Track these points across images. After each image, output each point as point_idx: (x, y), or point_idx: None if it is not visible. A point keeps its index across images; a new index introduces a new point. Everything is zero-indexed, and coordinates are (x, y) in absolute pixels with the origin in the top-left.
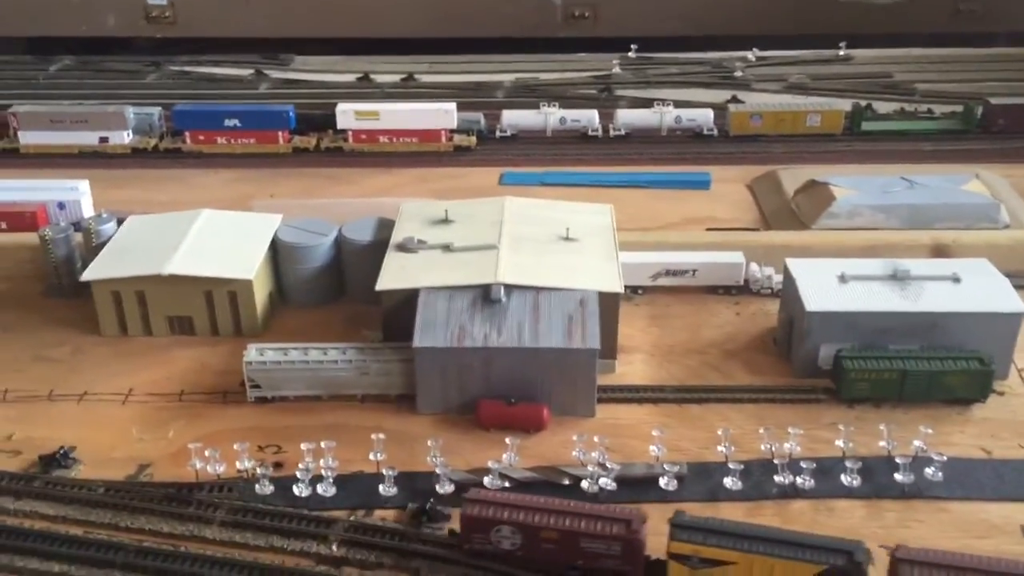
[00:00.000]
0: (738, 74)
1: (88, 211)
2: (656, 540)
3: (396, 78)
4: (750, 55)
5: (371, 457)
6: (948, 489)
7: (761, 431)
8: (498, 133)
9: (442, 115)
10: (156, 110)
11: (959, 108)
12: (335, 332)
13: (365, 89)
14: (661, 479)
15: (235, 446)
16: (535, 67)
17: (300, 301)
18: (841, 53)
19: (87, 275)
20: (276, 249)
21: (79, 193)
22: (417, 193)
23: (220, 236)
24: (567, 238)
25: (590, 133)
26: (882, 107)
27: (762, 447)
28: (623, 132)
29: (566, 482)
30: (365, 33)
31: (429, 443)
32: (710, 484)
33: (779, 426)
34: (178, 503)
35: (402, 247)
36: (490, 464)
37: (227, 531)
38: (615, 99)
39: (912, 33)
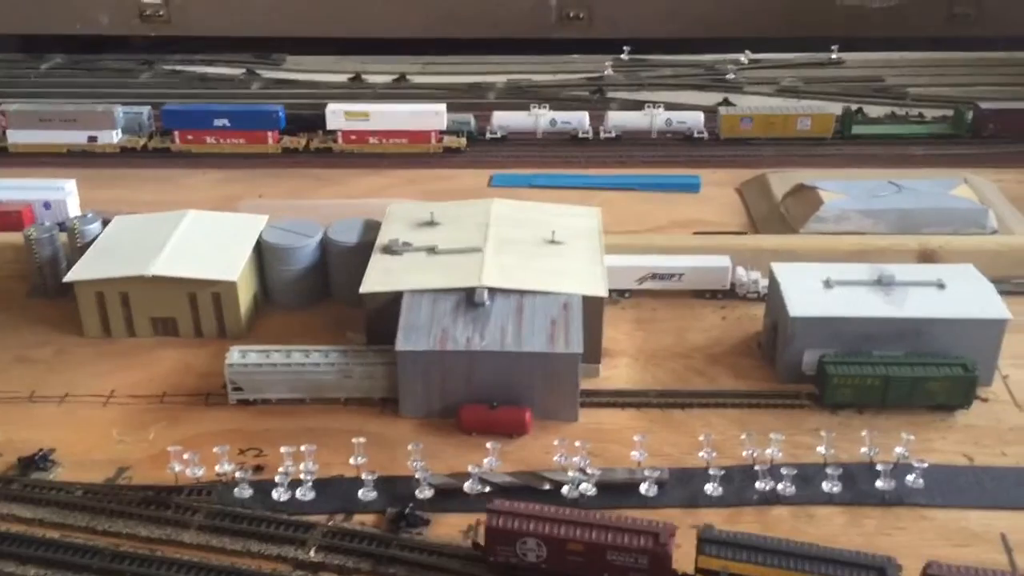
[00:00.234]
0: (730, 77)
1: (74, 211)
2: None
3: (388, 79)
4: (743, 58)
5: (351, 461)
6: (929, 496)
7: (743, 437)
8: (488, 134)
9: (432, 116)
10: (145, 109)
11: (950, 112)
12: (320, 334)
13: (357, 89)
14: (642, 485)
15: (215, 449)
16: (527, 68)
17: (285, 303)
18: (833, 56)
19: (70, 276)
20: (261, 250)
21: (65, 193)
22: (406, 194)
23: (205, 237)
24: (553, 241)
25: (580, 135)
26: (873, 111)
27: (744, 453)
28: (613, 134)
29: (547, 487)
30: (359, 33)
31: (409, 447)
32: (691, 490)
33: (762, 432)
34: (156, 506)
35: (387, 249)
36: (470, 469)
37: (204, 535)
38: (607, 101)
39: (906, 37)
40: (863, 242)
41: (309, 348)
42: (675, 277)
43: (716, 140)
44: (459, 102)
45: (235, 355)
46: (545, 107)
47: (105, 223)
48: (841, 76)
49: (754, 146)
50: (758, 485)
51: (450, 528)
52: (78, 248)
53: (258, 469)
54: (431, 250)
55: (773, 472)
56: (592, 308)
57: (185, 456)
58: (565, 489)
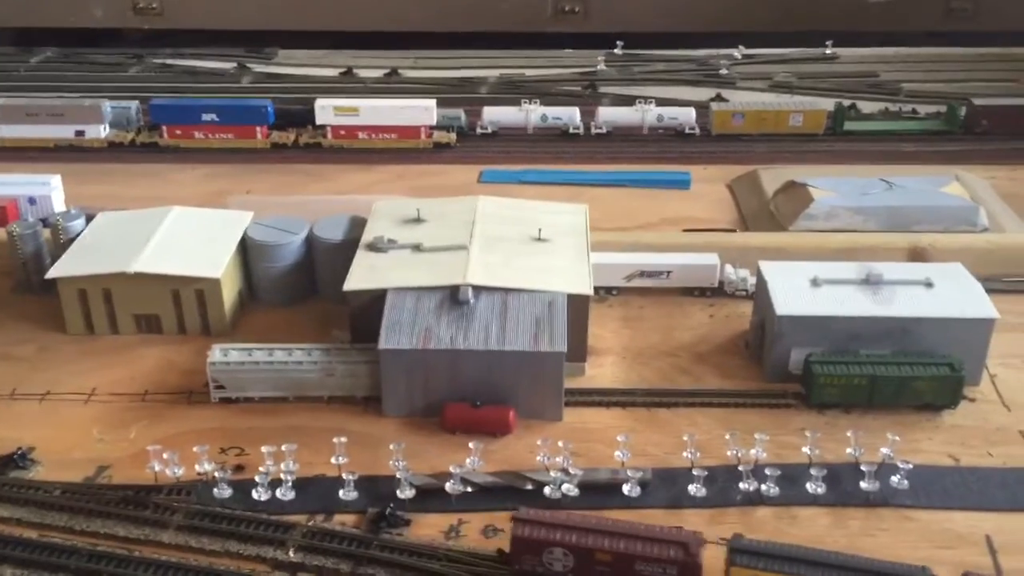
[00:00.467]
0: (723, 72)
1: (59, 206)
2: None
3: (380, 73)
4: (736, 53)
5: (333, 461)
6: (914, 497)
7: (727, 437)
8: (479, 130)
9: (422, 112)
10: (134, 104)
11: (943, 108)
12: (306, 331)
13: (348, 84)
14: (624, 485)
15: (194, 448)
16: (520, 63)
17: (271, 300)
18: (828, 52)
19: (52, 272)
20: (246, 247)
21: (50, 188)
22: (395, 191)
23: (189, 234)
24: (539, 239)
25: (571, 131)
26: (867, 107)
27: (728, 453)
28: (604, 130)
29: (529, 487)
30: (352, 27)
31: (391, 447)
32: (674, 490)
33: (748, 431)
34: (135, 506)
35: (372, 246)
36: (451, 469)
37: (183, 535)
38: (599, 96)
39: (904, 31)
40: (852, 240)
41: (292, 346)
42: (663, 275)
43: (708, 136)
44: (450, 97)
45: (217, 353)
46: (536, 103)
47: (89, 219)
48: (835, 71)
49: (746, 142)
50: (742, 486)
51: (431, 529)
52: (61, 244)
53: (239, 468)
54: (416, 247)
55: (757, 473)
56: (577, 306)
57: (165, 455)
58: (547, 490)
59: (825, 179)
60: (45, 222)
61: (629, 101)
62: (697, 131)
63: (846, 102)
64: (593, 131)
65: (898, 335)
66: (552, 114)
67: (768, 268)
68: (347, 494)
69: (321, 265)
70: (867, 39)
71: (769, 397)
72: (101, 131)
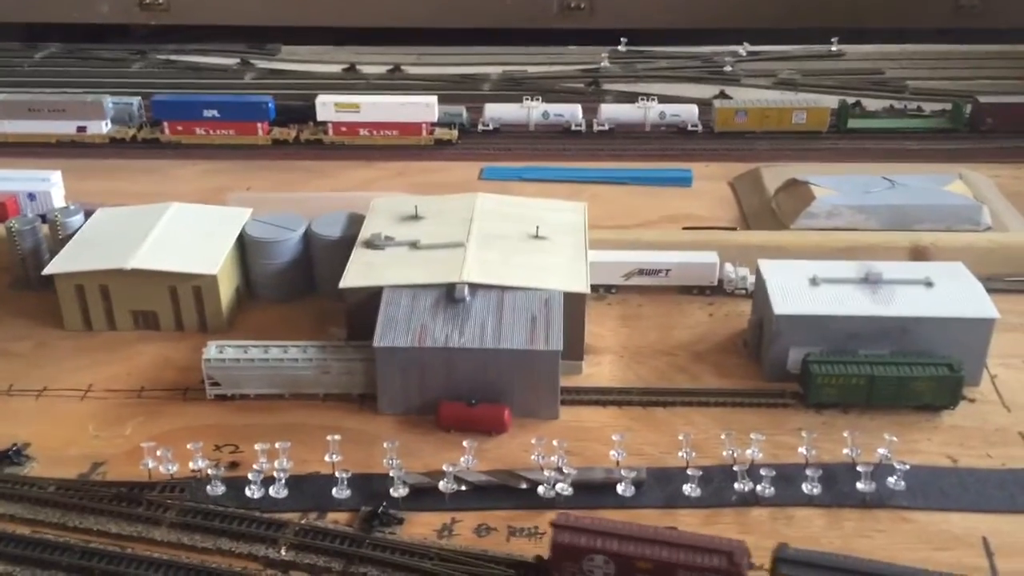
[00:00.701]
0: (727, 69)
1: (59, 202)
2: None
3: (383, 69)
4: (741, 50)
5: (327, 459)
6: (910, 498)
7: (723, 437)
8: (480, 127)
9: (423, 108)
10: (135, 100)
11: (948, 106)
12: (303, 328)
13: (351, 80)
14: (618, 485)
15: (188, 446)
16: (523, 60)
17: (269, 297)
18: (833, 49)
19: (50, 268)
20: (244, 244)
21: (50, 184)
22: (396, 187)
23: (187, 230)
24: (537, 236)
25: (573, 128)
26: (872, 104)
27: (724, 453)
28: (607, 127)
29: (523, 486)
30: (357, 23)
31: (385, 445)
32: (669, 490)
33: (745, 431)
34: (128, 503)
35: (369, 244)
36: (445, 467)
37: (176, 533)
38: (602, 93)
39: (912, 28)
40: (853, 238)
41: (287, 343)
42: (662, 273)
43: (710, 133)
44: (453, 93)
45: (212, 350)
46: (538, 99)
47: (88, 215)
48: (840, 69)
49: (748, 140)
50: (737, 486)
51: (424, 527)
52: (60, 240)
53: (234, 465)
54: (413, 245)
55: (752, 473)
56: (574, 304)
57: (158, 452)
58: (541, 489)
59: (827, 177)
60: (44, 218)
61: (632, 98)
62: (700, 128)
63: (850, 99)
64: (595, 128)
65: (897, 335)
66: (554, 111)
67: (767, 267)
68: (340, 492)
69: (319, 262)
70: (874, 36)
71: (767, 397)
72: (103, 127)
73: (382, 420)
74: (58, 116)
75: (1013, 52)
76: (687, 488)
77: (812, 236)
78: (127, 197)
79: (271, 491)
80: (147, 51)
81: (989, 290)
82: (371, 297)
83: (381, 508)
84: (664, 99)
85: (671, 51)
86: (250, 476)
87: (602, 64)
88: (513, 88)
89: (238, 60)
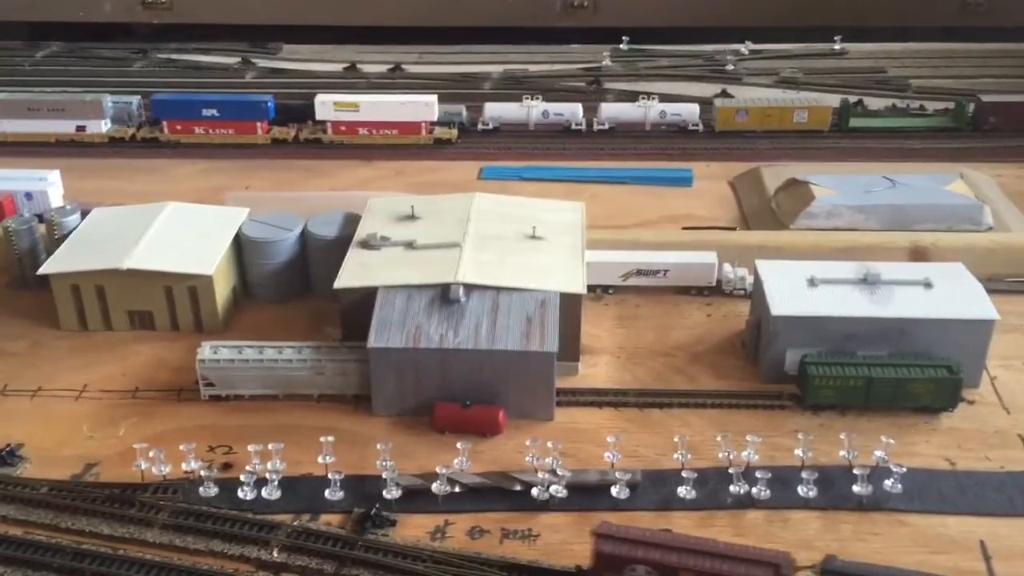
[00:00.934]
0: (729, 68)
1: (56, 201)
2: None
3: (384, 68)
4: (743, 48)
5: (320, 460)
6: (907, 501)
7: (718, 438)
8: (480, 126)
9: (422, 107)
10: (135, 99)
11: (951, 105)
12: (299, 329)
13: (351, 79)
14: (613, 487)
15: (181, 447)
16: (525, 58)
17: (265, 297)
18: (836, 47)
19: (45, 268)
20: (240, 244)
21: (47, 183)
22: (394, 187)
23: (183, 230)
24: (534, 236)
25: (573, 127)
26: (874, 103)
27: (720, 455)
28: (607, 126)
29: (517, 488)
30: (359, 21)
31: (379, 447)
32: (664, 493)
33: (741, 432)
34: (120, 504)
35: (364, 244)
36: (438, 469)
37: (168, 534)
38: (604, 92)
39: (917, 27)
40: (852, 239)
41: (282, 344)
42: (660, 273)
43: (711, 133)
44: (453, 92)
45: (207, 350)
46: (538, 98)
47: (84, 214)
48: (843, 67)
49: (749, 139)
50: (732, 488)
51: (417, 529)
52: (56, 240)
53: (227, 467)
54: (409, 245)
55: (748, 475)
56: (570, 305)
57: (151, 453)
58: (535, 491)
59: (827, 177)
60: (41, 218)
61: (633, 97)
62: (700, 127)
63: (852, 98)
64: (595, 127)
65: (896, 336)
66: (554, 110)
67: (764, 267)
68: (333, 494)
69: (315, 262)
70: (878, 34)
71: (764, 398)
72: (102, 126)
73: (377, 421)
74: (57, 115)
75: (1017, 51)
76: (682, 490)
77: (811, 236)
78: (126, 196)
79: (264, 492)
80: (148, 50)
81: (990, 291)
82: (366, 298)
83: (374, 510)
84: (665, 98)
85: (673, 49)
86: (242, 478)
87: (604, 63)
88: (514, 87)
89: (239, 59)
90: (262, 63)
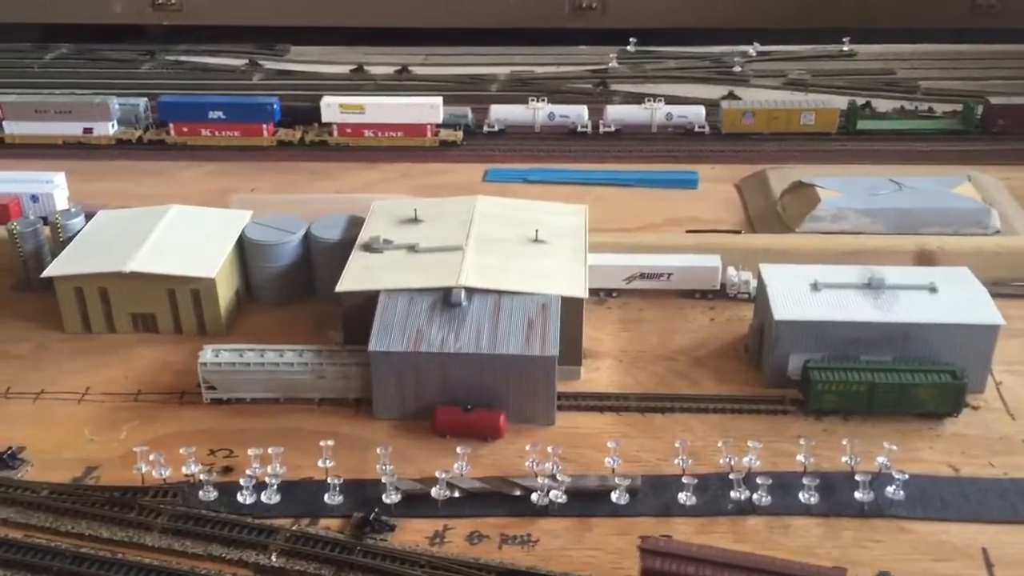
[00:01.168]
0: (737, 69)
1: (62, 204)
2: (607, 556)
3: (390, 70)
4: (751, 50)
5: (320, 464)
6: (910, 508)
7: (719, 444)
8: (486, 128)
9: (428, 109)
10: (142, 101)
11: (960, 107)
12: (302, 332)
13: (358, 81)
14: (613, 493)
15: (181, 450)
16: (532, 60)
17: (268, 300)
18: (845, 49)
19: (49, 271)
20: (243, 247)
21: (53, 186)
22: (399, 189)
23: (187, 233)
24: (536, 240)
25: (579, 129)
26: (883, 105)
27: (721, 460)
28: (613, 128)
29: (517, 493)
30: (368, 23)
31: (379, 451)
32: (664, 498)
33: (743, 437)
34: (120, 508)
35: (367, 247)
36: (438, 474)
37: (167, 538)
38: (610, 94)
39: (928, 28)
40: (858, 242)
41: (283, 347)
42: (664, 277)
43: (717, 135)
44: (460, 95)
45: (208, 354)
46: (543, 100)
47: (89, 217)
48: (852, 69)
49: (756, 141)
50: (733, 494)
51: (416, 534)
52: (61, 242)
53: (227, 470)
54: (411, 248)
55: (749, 481)
56: (572, 309)
57: (151, 457)
58: (534, 496)
59: (833, 179)
60: (46, 220)
61: (639, 99)
62: (707, 130)
63: (860, 100)
64: (601, 129)
65: (900, 341)
66: (560, 112)
67: (768, 271)
68: (332, 498)
69: (318, 265)
70: (888, 36)
71: (767, 403)
72: (109, 128)
73: (378, 425)
74: (64, 117)
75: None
76: (682, 496)
77: (817, 240)
78: (132, 198)
79: (263, 496)
80: (156, 52)
81: (996, 295)
82: (368, 301)
83: (373, 514)
84: (672, 100)
85: (680, 51)
86: (242, 482)
87: (610, 65)
88: (520, 89)
89: (246, 61)
90: (269, 65)
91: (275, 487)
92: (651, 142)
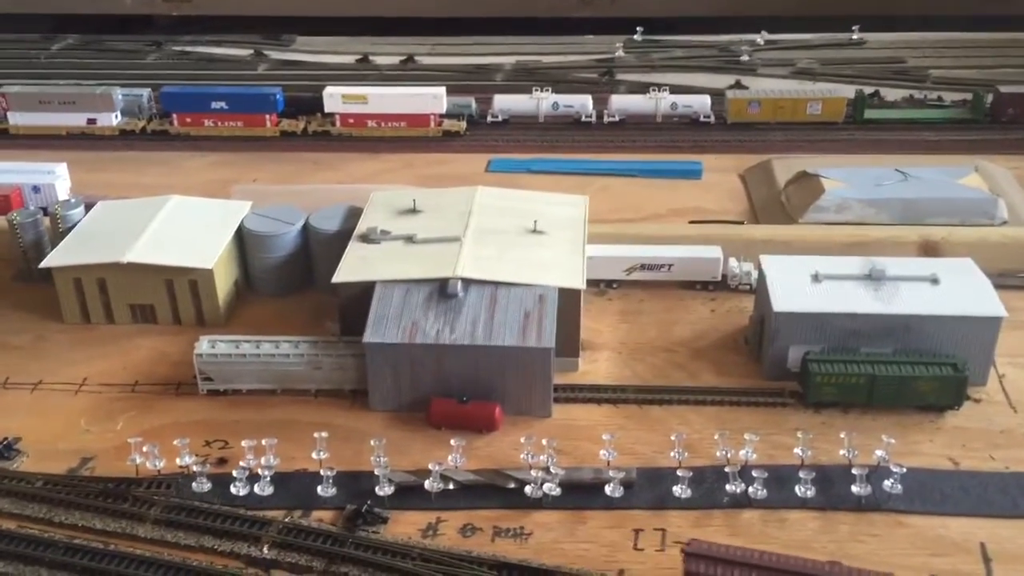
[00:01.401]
0: (744, 58)
1: (63, 195)
2: (599, 550)
3: (396, 60)
4: (759, 38)
5: (314, 456)
6: (908, 502)
7: (716, 436)
8: (489, 118)
9: (431, 99)
10: (145, 92)
11: (969, 96)
12: (300, 322)
13: (362, 71)
14: (607, 486)
15: (175, 442)
16: (538, 49)
17: (267, 290)
18: (854, 37)
19: (47, 262)
20: (242, 237)
21: (54, 176)
22: (402, 179)
23: (186, 224)
24: (534, 231)
25: (583, 119)
26: (891, 94)
27: (717, 453)
28: (617, 118)
29: (511, 485)
30: (374, 12)
31: (372, 443)
32: (659, 491)
33: (741, 430)
34: (114, 499)
35: (365, 238)
36: (431, 466)
37: (160, 529)
38: (616, 83)
39: (942, 16)
40: (861, 233)
41: (279, 338)
42: (664, 268)
43: (723, 124)
44: (465, 84)
45: (204, 345)
46: (548, 90)
47: (88, 208)
48: (861, 57)
49: (761, 131)
50: (729, 488)
51: (409, 527)
52: (60, 233)
53: (222, 461)
54: (409, 239)
55: (745, 474)
56: (569, 301)
57: (145, 448)
58: (528, 489)
59: (838, 169)
60: (46, 211)
61: (645, 89)
62: (712, 119)
63: (869, 89)
64: (606, 119)
65: (900, 333)
66: (564, 102)
67: (769, 262)
68: (326, 490)
69: (317, 256)
70: (900, 24)
71: (766, 396)
72: (113, 119)
73: (373, 417)
74: (68, 108)
75: None
76: (677, 489)
77: (819, 230)
78: (136, 189)
79: (256, 488)
80: (163, 42)
81: (1001, 286)
82: (364, 292)
83: (365, 507)
84: (677, 89)
85: (688, 40)
86: (235, 473)
87: (617, 54)
88: (526, 78)
89: (252, 51)
90: (275, 55)
91: (268, 479)
92: (656, 132)
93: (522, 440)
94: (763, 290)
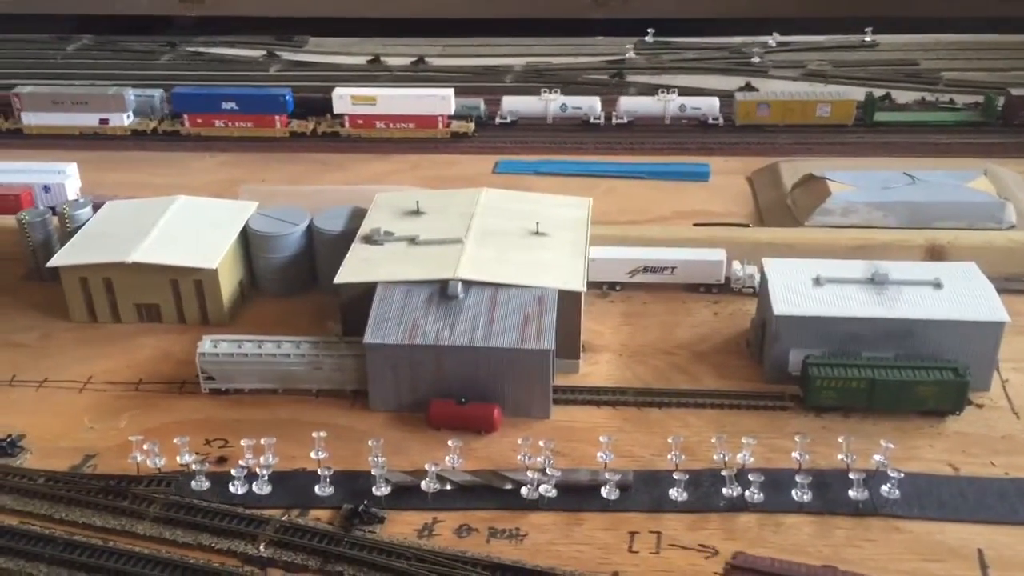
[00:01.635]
0: (755, 60)
1: (73, 194)
2: (594, 552)
3: (407, 61)
4: (770, 40)
5: (312, 455)
6: (905, 507)
7: (713, 440)
8: (498, 119)
9: (439, 101)
10: (157, 92)
11: (981, 99)
12: (303, 323)
13: (373, 72)
14: (603, 488)
15: (175, 440)
16: (549, 51)
17: (272, 290)
18: (867, 39)
19: (54, 261)
20: (247, 238)
21: (65, 176)
22: (409, 181)
23: (192, 224)
24: (536, 232)
25: (592, 121)
26: (903, 96)
27: (715, 457)
28: (625, 120)
29: (508, 487)
30: (387, 13)
31: (370, 443)
32: (655, 494)
33: (740, 434)
34: (114, 496)
35: (368, 239)
36: (427, 467)
37: (158, 527)
38: (626, 85)
39: (959, 18)
40: (866, 237)
41: (281, 339)
42: (667, 270)
43: (731, 127)
44: (475, 85)
45: (207, 344)
46: (556, 91)
47: (97, 208)
48: (873, 59)
49: (770, 133)
50: (725, 491)
51: (405, 527)
52: (68, 233)
53: (222, 460)
54: (412, 240)
55: (742, 478)
56: (569, 303)
57: (146, 446)
58: (524, 490)
59: (846, 173)
60: (55, 210)
61: (654, 91)
62: (721, 121)
63: (879, 92)
64: (614, 121)
65: (902, 337)
66: (572, 103)
67: (771, 265)
68: (323, 489)
69: (321, 256)
70: (915, 26)
71: (766, 399)
72: (125, 119)
73: (373, 417)
74: (81, 108)
75: None
76: (673, 492)
77: (824, 233)
78: (146, 189)
79: (255, 487)
80: (176, 43)
81: (1007, 291)
82: (366, 293)
83: (361, 506)
84: (686, 91)
85: (698, 42)
86: (234, 472)
87: (627, 55)
88: (536, 80)
89: (264, 52)
90: (287, 56)
91: (266, 478)
92: (663, 134)
93: (519, 441)
94: (764, 293)
